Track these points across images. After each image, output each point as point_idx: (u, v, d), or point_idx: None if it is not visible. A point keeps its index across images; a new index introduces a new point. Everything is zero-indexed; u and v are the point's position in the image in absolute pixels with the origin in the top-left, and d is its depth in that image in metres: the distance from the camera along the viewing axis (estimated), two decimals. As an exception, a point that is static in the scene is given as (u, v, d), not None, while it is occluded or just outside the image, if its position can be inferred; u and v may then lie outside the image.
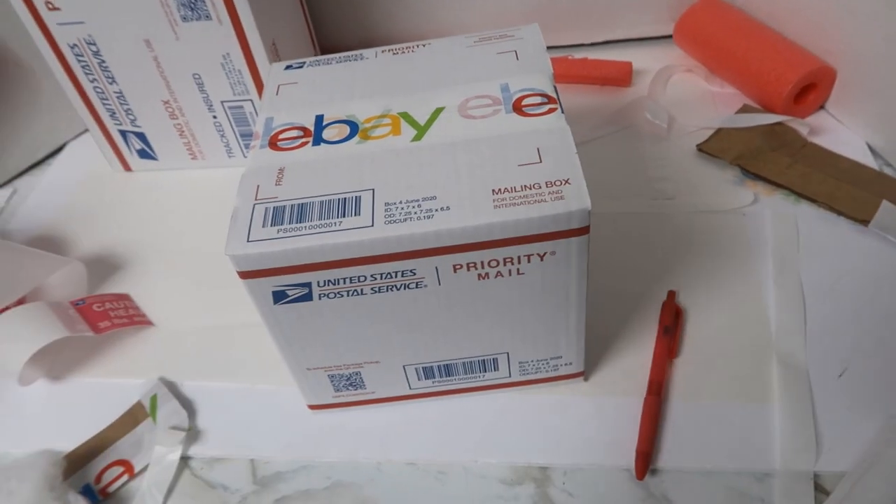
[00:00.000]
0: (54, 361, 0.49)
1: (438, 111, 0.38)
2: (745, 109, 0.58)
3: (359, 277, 0.34)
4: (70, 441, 0.44)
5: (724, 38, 0.61)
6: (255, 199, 0.35)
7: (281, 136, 0.39)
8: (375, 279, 0.34)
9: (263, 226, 0.34)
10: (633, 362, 0.44)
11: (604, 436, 0.40)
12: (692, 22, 0.64)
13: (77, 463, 0.43)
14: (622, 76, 0.63)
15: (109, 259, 0.56)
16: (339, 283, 0.34)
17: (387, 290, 0.35)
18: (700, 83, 0.63)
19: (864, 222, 0.48)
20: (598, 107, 0.62)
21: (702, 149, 0.56)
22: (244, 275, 0.34)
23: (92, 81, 0.57)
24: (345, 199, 0.34)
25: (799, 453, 0.38)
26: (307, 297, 0.35)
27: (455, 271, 0.34)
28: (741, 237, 0.50)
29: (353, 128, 0.38)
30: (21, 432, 0.46)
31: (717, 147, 0.56)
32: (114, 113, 0.59)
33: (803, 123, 0.56)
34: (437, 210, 0.33)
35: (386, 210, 0.33)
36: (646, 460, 0.39)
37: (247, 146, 0.61)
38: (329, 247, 0.33)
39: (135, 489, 0.42)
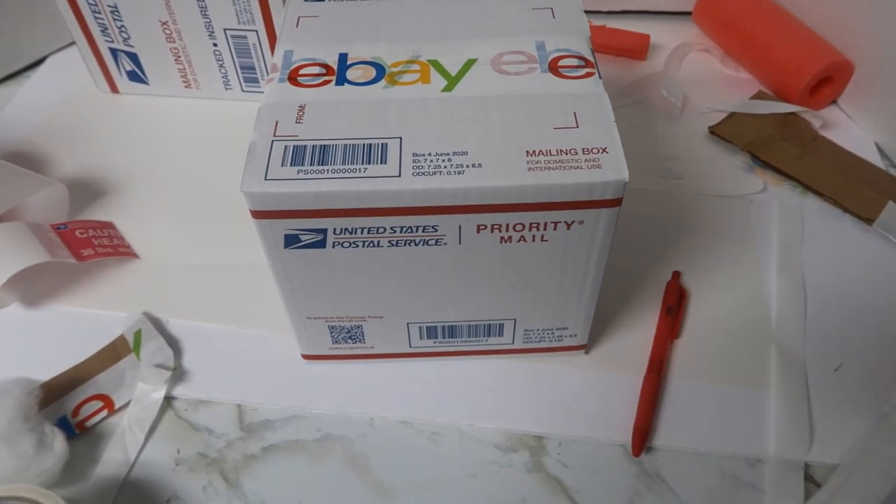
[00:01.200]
0: (30, 286, 0.46)
1: (471, 62, 0.37)
2: (759, 96, 0.58)
3: (378, 229, 0.33)
4: (45, 371, 0.42)
5: (745, 21, 0.60)
6: (274, 136, 0.33)
7: (301, 72, 0.36)
8: (395, 232, 0.33)
9: (283, 165, 0.32)
10: (634, 339, 0.43)
11: (601, 410, 0.40)
12: (713, 1, 0.63)
13: (54, 394, 0.41)
14: (639, 48, 0.62)
15: (92, 184, 0.53)
16: (356, 233, 0.33)
17: (405, 245, 0.34)
18: (715, 64, 0.62)
19: (869, 221, 0.49)
20: (611, 77, 0.60)
21: (714, 132, 0.55)
22: (257, 214, 0.32)
23: (85, -9, 0.53)
24: (370, 144, 0.32)
25: (792, 442, 0.39)
26: (320, 244, 0.34)
27: (478, 231, 0.33)
28: (747, 224, 0.50)
29: (380, 70, 0.36)
30: (-8, 357, 0.43)
31: (729, 131, 0.55)
32: (105, 28, 0.55)
33: (816, 116, 0.55)
34: (468, 166, 0.31)
35: (414, 161, 0.32)
36: (643, 437, 0.39)
37: (246, 80, 0.58)
38: (352, 194, 0.31)
39: (114, 425, 0.40)
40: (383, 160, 0.32)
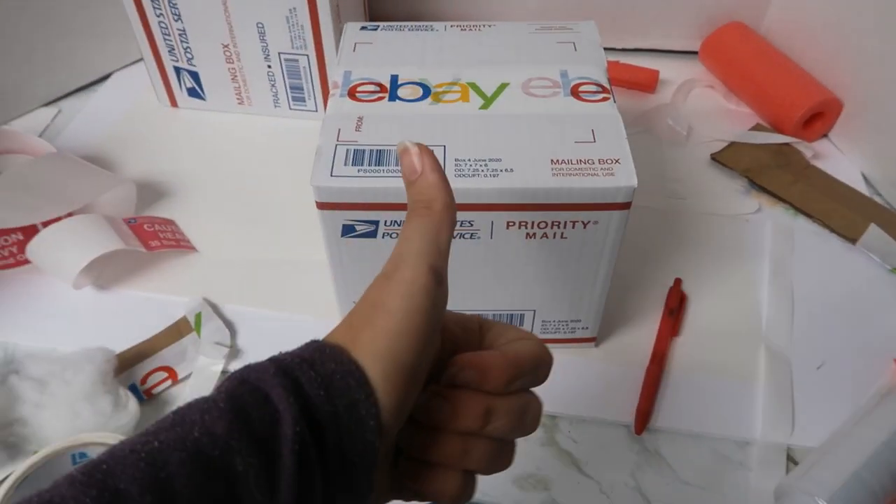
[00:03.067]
0: (101, 272, 0.52)
1: (504, 86, 0.43)
2: (757, 128, 0.64)
3: (422, 222, 0.38)
4: (115, 345, 0.47)
5: (745, 61, 0.67)
6: (337, 141, 0.39)
7: (359, 89, 0.42)
8: (437, 225, 0.39)
9: (345, 164, 0.38)
10: (638, 337, 0.49)
11: (608, 395, 0.45)
12: (718, 42, 0.69)
13: (126, 363, 0.46)
14: (649, 82, 0.68)
15: (154, 186, 0.60)
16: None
17: (444, 237, 0.39)
18: (718, 99, 0.68)
19: (853, 241, 0.54)
20: (623, 108, 0.66)
21: (715, 158, 0.61)
22: (322, 205, 0.38)
23: (158, 16, 0.60)
24: (419, 150, 0.38)
25: (776, 427, 0.44)
26: (372, 234, 0.39)
27: (507, 227, 0.39)
28: (743, 240, 0.55)
29: (426, 90, 0.42)
30: (68, 333, 0.49)
31: (729, 158, 0.61)
32: (172, 49, 0.62)
33: (808, 147, 0.61)
34: (502, 170, 0.37)
35: (456, 165, 0.38)
36: (644, 418, 0.44)
37: (294, 99, 0.64)
38: (401, 190, 0.37)
39: (177, 394, 0.46)
40: (430, 163, 0.38)
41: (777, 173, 0.59)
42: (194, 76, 0.64)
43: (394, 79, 0.43)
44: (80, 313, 0.50)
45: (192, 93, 0.66)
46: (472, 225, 0.39)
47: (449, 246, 0.26)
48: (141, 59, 0.66)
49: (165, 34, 0.61)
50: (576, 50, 0.45)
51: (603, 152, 0.38)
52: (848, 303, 0.51)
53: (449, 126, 0.40)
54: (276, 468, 0.21)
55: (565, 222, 0.38)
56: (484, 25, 0.48)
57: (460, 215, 0.38)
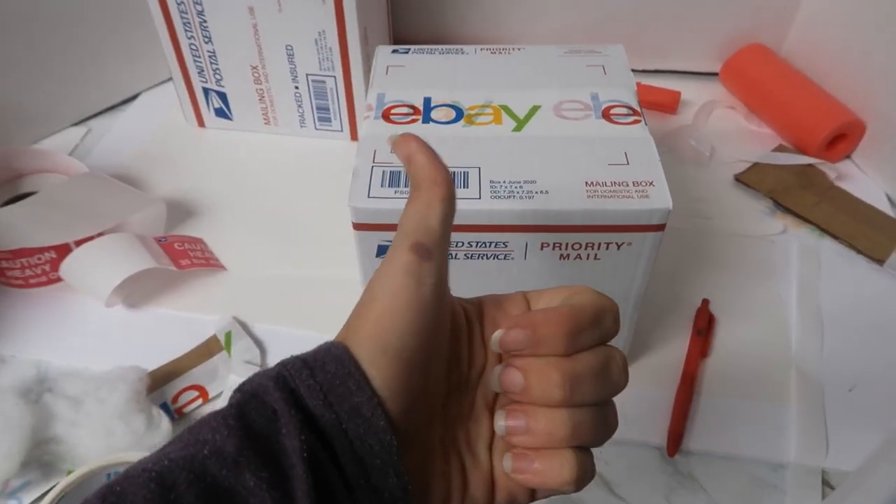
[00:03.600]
0: (132, 290, 0.53)
1: (535, 108, 0.43)
2: (780, 149, 0.64)
3: (458, 243, 0.39)
4: (146, 364, 0.47)
5: (767, 82, 0.67)
6: (373, 162, 0.39)
7: (393, 111, 0.43)
8: (472, 246, 0.39)
9: (382, 185, 0.38)
10: (668, 358, 0.49)
11: (639, 416, 0.45)
12: (739, 64, 0.70)
13: (158, 382, 0.46)
14: (670, 103, 0.69)
15: (182, 205, 0.60)
16: (438, 246, 0.39)
17: (478, 258, 0.40)
18: (740, 120, 0.69)
19: (880, 262, 0.54)
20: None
21: (739, 179, 0.61)
22: (358, 226, 0.38)
23: (189, 38, 0.61)
24: (454, 172, 0.39)
25: (810, 450, 0.43)
26: (407, 255, 0.39)
27: (542, 248, 0.39)
28: (769, 261, 0.55)
29: (459, 112, 0.43)
30: (100, 351, 0.49)
31: (753, 179, 0.61)
32: (202, 70, 0.63)
33: (832, 168, 0.61)
34: (537, 192, 0.38)
35: (491, 186, 0.38)
36: (677, 439, 0.43)
37: (321, 119, 0.65)
38: (440, 211, 0.37)
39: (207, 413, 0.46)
40: (465, 185, 0.38)
41: (801, 194, 0.60)
42: (222, 97, 0.65)
43: (427, 101, 0.44)
44: (112, 332, 0.51)
45: (220, 113, 0.66)
46: (506, 246, 0.39)
47: (444, 223, 0.25)
48: (168, 80, 0.67)
49: (196, 56, 0.62)
50: (605, 73, 0.46)
51: (637, 175, 0.38)
52: (877, 324, 0.51)
53: (483, 148, 0.40)
54: (288, 479, 0.21)
55: (599, 244, 0.39)
56: (513, 49, 0.48)
57: (497, 236, 0.38)
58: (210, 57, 0.62)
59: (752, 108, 0.69)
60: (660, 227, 0.38)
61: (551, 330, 0.24)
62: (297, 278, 0.54)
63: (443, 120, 0.42)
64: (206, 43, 0.61)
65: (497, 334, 0.25)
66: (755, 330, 0.50)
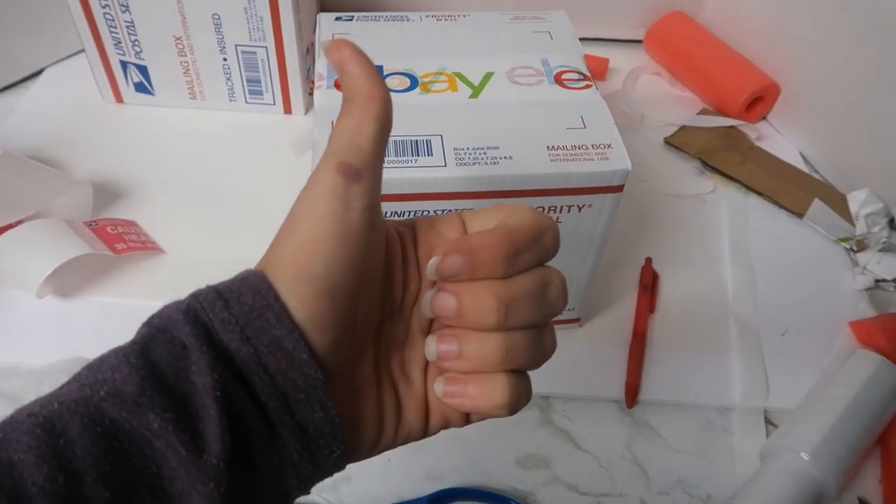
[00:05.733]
0: (63, 279, 0.49)
1: (489, 75, 0.43)
2: (704, 112, 0.67)
3: (423, 212, 0.39)
4: (88, 355, 0.45)
5: (688, 49, 0.70)
6: (332, 133, 0.38)
7: (345, 80, 0.42)
8: (438, 214, 0.39)
9: (344, 156, 0.37)
10: (618, 315, 0.50)
11: (596, 373, 0.47)
12: (660, 31, 0.72)
13: (105, 373, 0.44)
14: (599, 71, 0.70)
15: (107, 187, 0.56)
16: (404, 215, 0.39)
17: (443, 226, 0.39)
18: (665, 86, 0.71)
19: (800, 215, 0.58)
20: (577, 95, 0.68)
21: (669, 142, 0.64)
22: (322, 199, 0.37)
23: (104, 7, 0.56)
24: (416, 141, 0.38)
25: (753, 393, 0.46)
26: (372, 226, 0.39)
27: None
28: (702, 219, 0.58)
29: (413, 80, 0.42)
30: (34, 345, 0.46)
31: (681, 141, 0.64)
32: (119, 42, 0.59)
33: (752, 129, 0.65)
34: (501, 158, 0.38)
35: (456, 154, 0.38)
36: (634, 392, 0.45)
37: (251, 92, 0.62)
38: (406, 181, 0.37)
39: (162, 401, 0.44)
40: (430, 153, 0.38)
41: (726, 155, 0.63)
42: (142, 70, 0.61)
43: (379, 69, 0.42)
44: (46, 324, 0.47)
45: (140, 87, 0.62)
46: (471, 213, 0.39)
47: (376, 142, 0.23)
48: (79, 52, 0.62)
49: (112, 27, 0.58)
50: (552, 39, 0.47)
51: (595, 138, 0.39)
52: (801, 273, 0.55)
53: (442, 116, 0.40)
54: (198, 420, 0.20)
55: (562, 207, 0.40)
56: (459, 15, 0.48)
57: (462, 203, 0.38)
58: (128, 27, 0.58)
59: (675, 73, 0.72)
60: (619, 188, 0.39)
61: (489, 254, 0.23)
62: (238, 259, 0.51)
63: (398, 88, 0.42)
64: (124, 12, 0.56)
65: (433, 262, 0.23)
66: (695, 284, 0.53)
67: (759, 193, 0.60)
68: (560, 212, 0.40)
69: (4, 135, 0.60)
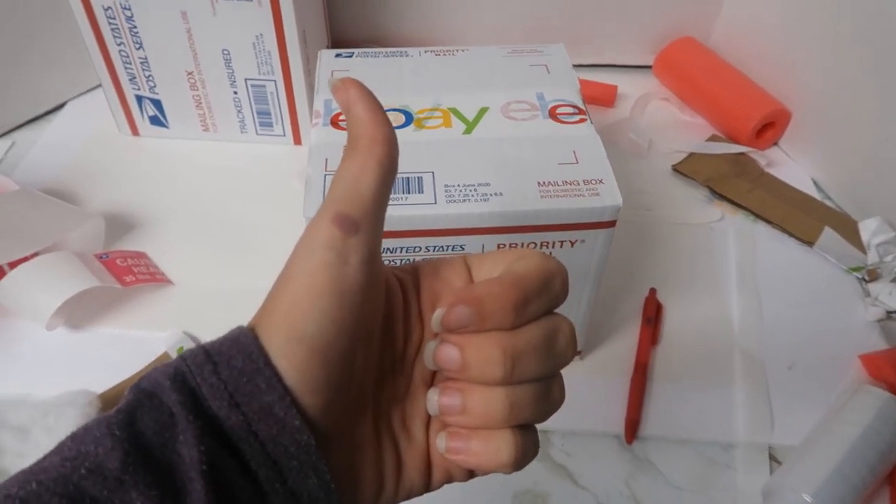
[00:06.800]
0: (74, 311, 0.51)
1: (484, 110, 0.44)
2: (713, 139, 0.67)
3: (414, 248, 0.39)
4: (94, 387, 0.46)
5: (697, 74, 0.70)
6: (325, 171, 0.39)
7: (341, 117, 0.43)
8: (429, 251, 0.39)
9: (336, 194, 0.38)
10: (620, 347, 0.50)
11: (596, 407, 0.47)
12: (670, 57, 0.72)
13: (109, 404, 0.45)
14: (607, 97, 0.70)
15: (121, 218, 0.58)
16: (396, 252, 0.39)
17: (436, 262, 0.40)
18: (674, 111, 0.71)
19: (810, 244, 0.57)
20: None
21: (677, 169, 0.64)
22: (314, 236, 0.38)
23: (119, 45, 0.58)
24: (408, 178, 0.39)
25: (756, 429, 0.46)
26: (364, 262, 0.39)
27: (497, 249, 0.40)
28: (709, 248, 0.57)
29: (408, 117, 0.43)
30: (43, 376, 0.47)
31: (689, 168, 0.63)
32: (134, 77, 0.61)
33: (762, 155, 0.64)
34: (491, 195, 0.38)
35: (446, 191, 0.38)
36: (634, 427, 0.45)
37: (262, 124, 0.63)
38: (396, 218, 0.37)
39: (164, 432, 0.45)
40: (420, 190, 0.38)
41: (735, 182, 0.62)
42: (156, 104, 0.63)
43: (375, 106, 0.43)
44: (55, 355, 0.48)
45: (155, 121, 0.64)
46: (462, 249, 0.39)
47: (379, 190, 0.22)
48: (98, 87, 0.64)
49: (126, 63, 0.60)
50: (549, 72, 0.47)
51: (586, 173, 0.39)
52: (810, 303, 0.54)
53: (435, 152, 0.40)
54: (184, 495, 0.19)
55: (553, 242, 0.40)
56: (457, 50, 0.49)
57: (453, 240, 0.39)
58: (142, 63, 0.59)
59: (684, 99, 0.71)
60: (611, 224, 0.39)
61: (497, 305, 0.21)
62: (247, 290, 0.52)
63: (392, 125, 0.42)
64: (138, 49, 0.58)
65: (438, 313, 0.22)
66: (700, 315, 0.52)
67: (769, 221, 0.59)
68: (552, 247, 0.40)
69: (27, 166, 0.63)
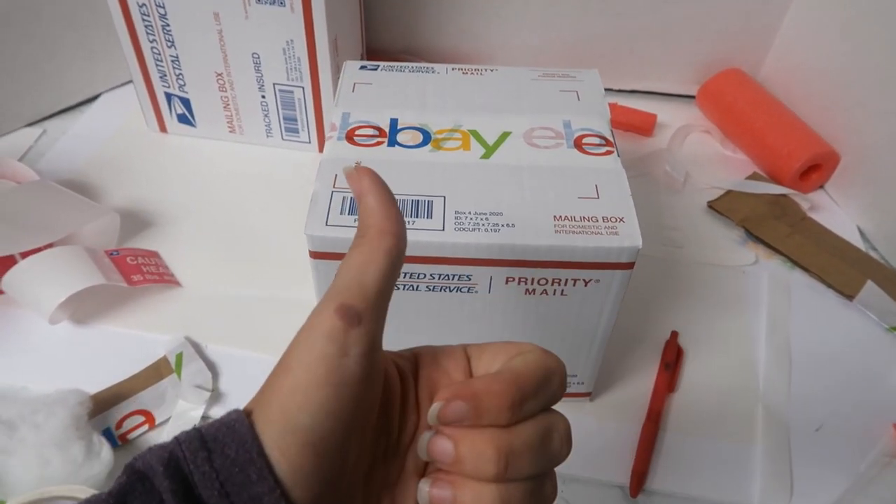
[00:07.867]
0: (79, 306, 0.50)
1: (506, 135, 0.42)
2: (754, 177, 0.63)
3: (419, 275, 0.37)
4: (90, 385, 0.45)
5: (743, 108, 0.66)
6: (334, 187, 0.38)
7: (357, 133, 0.41)
8: (434, 279, 0.37)
9: (341, 213, 0.36)
10: (634, 391, 0.47)
11: (603, 454, 0.44)
12: (715, 88, 0.69)
13: (102, 405, 0.44)
14: (646, 126, 0.68)
15: (138, 215, 0.58)
16: (399, 278, 0.37)
17: (440, 290, 0.38)
18: (714, 145, 0.68)
19: (850, 297, 0.53)
20: (620, 151, 0.66)
21: (712, 206, 0.60)
22: (316, 255, 0.36)
23: (151, 42, 0.58)
24: (418, 200, 0.37)
25: (774, 494, 0.42)
26: (366, 285, 0.38)
27: (506, 283, 0.37)
28: (740, 293, 0.54)
29: (426, 136, 0.41)
30: (42, 370, 0.47)
31: (726, 207, 0.60)
32: (164, 75, 0.61)
33: (805, 198, 0.61)
34: (503, 225, 0.36)
35: (456, 218, 0.36)
36: (640, 480, 0.42)
37: (287, 130, 0.63)
38: (401, 242, 0.35)
39: (154, 439, 0.44)
40: (429, 215, 0.36)
41: (774, 224, 0.59)
42: (185, 103, 0.62)
43: (393, 123, 0.42)
44: (55, 350, 0.48)
45: (183, 119, 0.64)
46: (469, 279, 0.37)
47: (384, 281, 0.22)
48: (131, 81, 0.64)
49: (158, 60, 0.59)
50: (579, 99, 0.45)
51: (607, 210, 0.37)
52: (845, 362, 0.50)
53: (449, 176, 0.39)
54: None
55: (566, 280, 0.37)
56: (486, 70, 0.47)
57: (460, 269, 0.37)
58: (173, 61, 0.59)
59: (727, 133, 0.68)
60: (629, 265, 0.37)
61: (494, 402, 0.22)
62: (255, 298, 0.52)
63: (409, 144, 0.41)
64: (169, 47, 0.58)
65: (435, 407, 0.22)
66: (724, 365, 0.49)
67: (806, 269, 0.56)
68: (565, 284, 0.38)
69: (53, 156, 0.63)
